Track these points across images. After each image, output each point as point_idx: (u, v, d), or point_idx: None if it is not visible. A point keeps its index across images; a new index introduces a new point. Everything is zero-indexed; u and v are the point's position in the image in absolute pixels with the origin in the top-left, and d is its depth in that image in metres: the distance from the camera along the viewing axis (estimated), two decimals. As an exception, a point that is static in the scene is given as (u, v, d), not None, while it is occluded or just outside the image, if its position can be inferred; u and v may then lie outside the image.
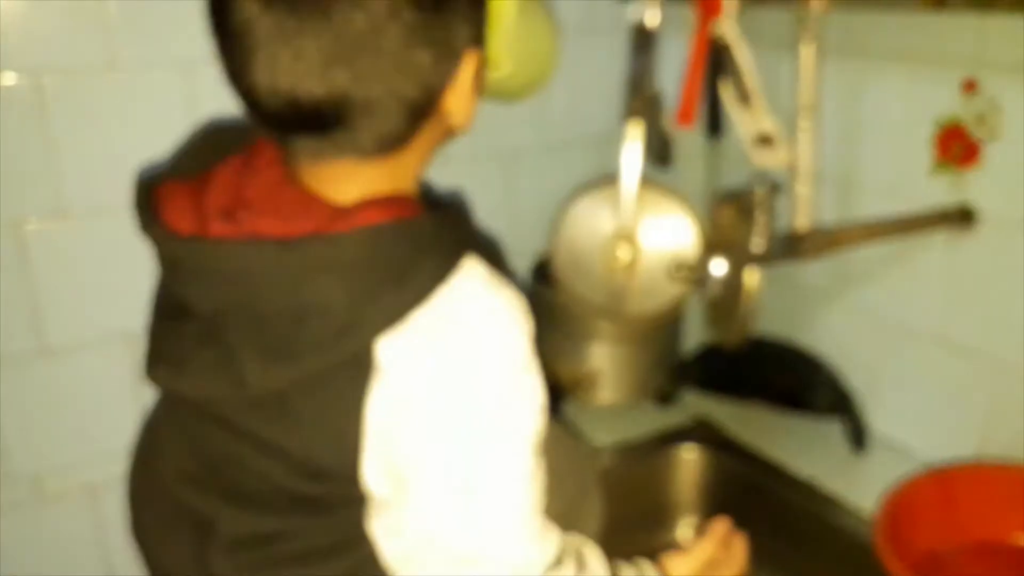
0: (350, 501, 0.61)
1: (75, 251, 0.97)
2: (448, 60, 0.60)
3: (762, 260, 0.86)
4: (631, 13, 1.02)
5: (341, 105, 0.57)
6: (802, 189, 0.90)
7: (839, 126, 1.09)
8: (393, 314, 0.57)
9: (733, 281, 0.98)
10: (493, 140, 1.22)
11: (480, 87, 0.65)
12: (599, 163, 1.30)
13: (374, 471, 0.60)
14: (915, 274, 1.04)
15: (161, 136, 0.97)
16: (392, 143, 0.61)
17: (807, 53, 0.86)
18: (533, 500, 0.63)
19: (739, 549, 0.85)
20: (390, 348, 0.58)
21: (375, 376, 0.58)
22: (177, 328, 0.63)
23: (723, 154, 1.24)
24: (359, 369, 0.57)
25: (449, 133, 0.66)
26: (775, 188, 0.86)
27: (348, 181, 0.62)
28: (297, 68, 0.55)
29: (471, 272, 0.61)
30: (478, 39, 0.63)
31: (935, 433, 1.06)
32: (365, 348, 0.57)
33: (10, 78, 0.89)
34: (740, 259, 0.85)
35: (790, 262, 0.88)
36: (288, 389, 0.59)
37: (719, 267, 0.83)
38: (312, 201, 0.61)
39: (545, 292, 1.19)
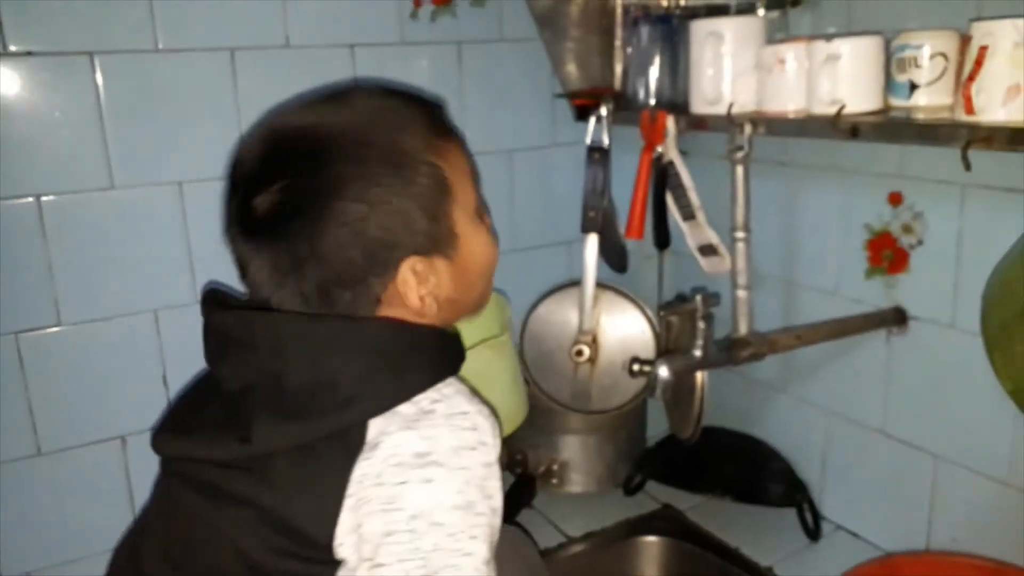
0: (321, 572, 0.67)
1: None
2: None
3: (704, 365, 0.94)
4: (587, 134, 1.13)
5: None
6: (741, 294, 0.97)
7: (780, 231, 1.18)
8: (388, 398, 0.67)
9: (684, 382, 1.06)
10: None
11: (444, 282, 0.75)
12: (569, 266, 1.39)
13: (346, 538, 0.66)
14: (857, 370, 1.11)
15: (154, 247, 1.07)
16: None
17: (739, 175, 0.95)
18: None
19: None
20: (376, 427, 0.66)
21: (362, 450, 0.66)
22: (201, 406, 0.73)
23: (675, 260, 1.33)
24: (351, 441, 0.66)
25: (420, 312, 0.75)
26: (714, 299, 0.94)
27: None
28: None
29: (456, 384, 0.71)
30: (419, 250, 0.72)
31: (885, 522, 1.11)
32: (360, 423, 0.66)
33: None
34: (684, 363, 0.92)
35: (729, 366, 0.95)
36: (279, 455, 0.67)
37: (664, 371, 0.90)
38: None
39: (516, 387, 1.26)
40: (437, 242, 0.73)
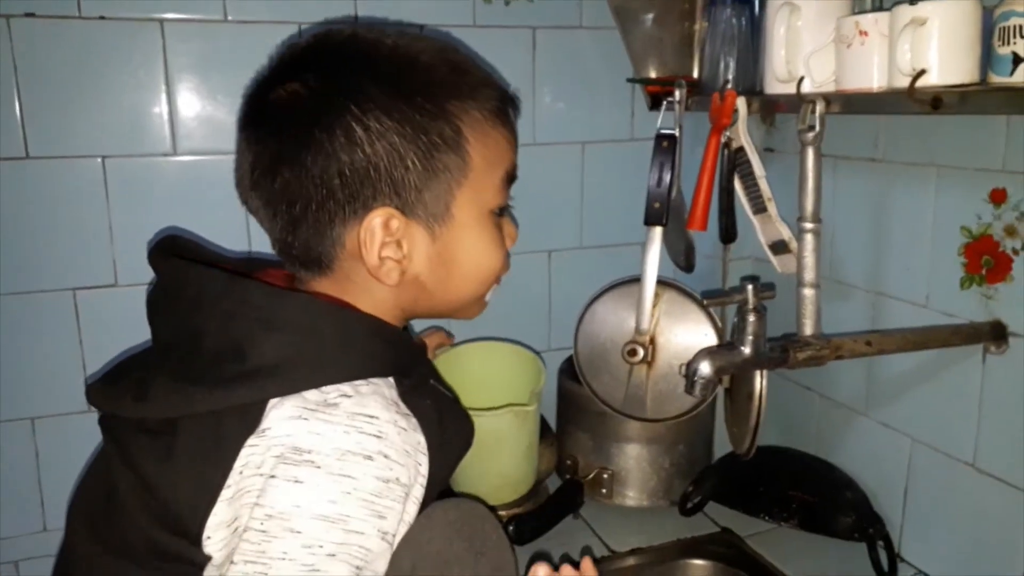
0: (195, 563, 0.62)
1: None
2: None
3: (753, 364, 0.84)
4: (658, 121, 1.06)
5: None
6: (807, 292, 0.88)
7: (867, 235, 1.07)
8: (294, 381, 0.61)
9: (741, 389, 0.96)
10: (539, 237, 1.27)
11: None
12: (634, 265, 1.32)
13: (216, 532, 0.60)
14: (947, 393, 0.98)
15: (212, 214, 1.08)
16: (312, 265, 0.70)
17: (810, 158, 0.86)
18: None
19: None
20: (273, 410, 0.61)
21: (255, 432, 0.60)
22: (137, 361, 0.69)
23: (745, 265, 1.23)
24: (246, 419, 0.60)
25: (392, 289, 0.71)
26: (767, 290, 0.84)
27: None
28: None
29: (381, 389, 0.64)
30: (401, 205, 0.67)
31: (972, 571, 0.97)
32: (260, 402, 0.61)
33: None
34: (728, 360, 0.83)
35: (783, 367, 0.85)
36: (180, 422, 0.62)
37: (704, 367, 0.81)
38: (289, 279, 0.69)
39: (571, 387, 1.20)
40: (424, 209, 0.67)
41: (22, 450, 1.06)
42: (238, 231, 1.09)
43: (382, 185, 0.65)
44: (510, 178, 0.74)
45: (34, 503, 1.08)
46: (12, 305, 1.02)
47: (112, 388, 0.67)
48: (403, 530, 0.65)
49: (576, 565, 0.77)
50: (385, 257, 0.67)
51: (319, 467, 0.59)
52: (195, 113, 1.06)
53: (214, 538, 0.61)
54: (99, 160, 1.03)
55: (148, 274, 1.06)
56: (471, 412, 0.79)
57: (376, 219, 0.66)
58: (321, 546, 0.58)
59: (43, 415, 1.06)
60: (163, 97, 1.04)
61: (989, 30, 0.76)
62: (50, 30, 0.97)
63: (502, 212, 0.74)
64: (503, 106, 0.72)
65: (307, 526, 0.58)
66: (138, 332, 0.92)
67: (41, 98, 0.99)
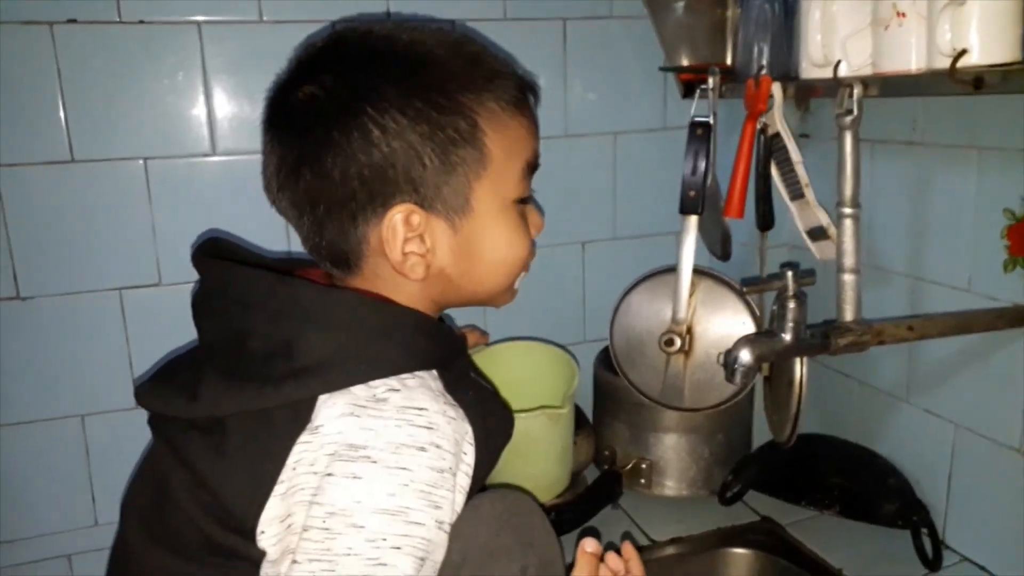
0: (250, 558, 0.63)
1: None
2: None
3: (794, 351, 0.84)
4: (692, 109, 1.06)
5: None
6: (847, 278, 0.87)
7: (907, 219, 1.05)
8: (343, 377, 0.62)
9: (781, 376, 0.96)
10: (572, 228, 1.28)
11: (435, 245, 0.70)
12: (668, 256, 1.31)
13: (269, 527, 0.62)
14: (992, 378, 0.96)
15: (252, 213, 1.09)
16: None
17: (848, 143, 0.85)
18: None
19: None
20: (323, 407, 0.62)
21: (307, 429, 0.61)
22: (186, 362, 0.71)
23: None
24: (297, 416, 0.61)
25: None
26: (807, 277, 0.84)
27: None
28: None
29: (427, 382, 0.65)
30: (420, 201, 0.68)
31: (1017, 555, 0.95)
32: (310, 399, 0.62)
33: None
34: (769, 348, 0.83)
35: (824, 353, 0.84)
36: (228, 420, 0.63)
37: (744, 355, 0.81)
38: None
39: (607, 379, 1.20)
40: (443, 203, 0.68)
41: (73, 447, 1.09)
42: (277, 229, 1.11)
43: (401, 183, 0.66)
44: (531, 167, 0.74)
45: (85, 498, 1.11)
46: (61, 305, 1.05)
47: (161, 389, 0.69)
48: (453, 520, 0.66)
49: (618, 552, 0.77)
50: (409, 252, 0.68)
51: (375, 462, 0.60)
52: (233, 113, 1.07)
53: (268, 532, 0.62)
54: (141, 162, 1.05)
55: (191, 273, 1.08)
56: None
57: (397, 216, 0.67)
58: (384, 539, 0.59)
59: (92, 412, 1.09)
60: (201, 98, 1.06)
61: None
62: (92, 35, 1.00)
63: (525, 201, 0.74)
64: (521, 95, 0.72)
65: (369, 520, 0.59)
66: (182, 330, 0.93)
67: (84, 102, 1.01)
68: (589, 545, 0.74)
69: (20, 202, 1.01)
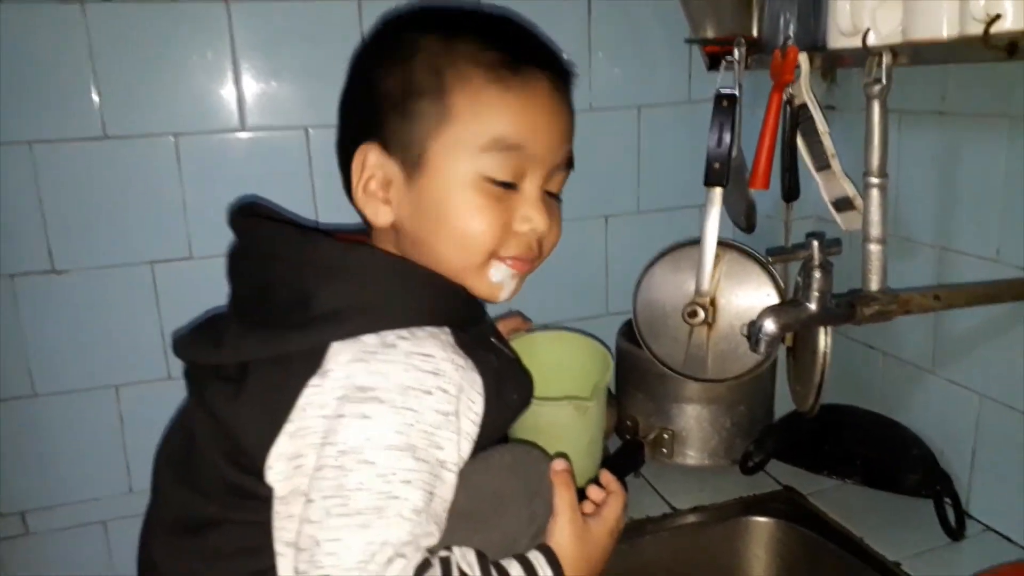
0: (260, 497, 0.66)
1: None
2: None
3: (819, 320, 0.84)
4: (718, 80, 1.05)
5: None
6: (873, 248, 0.87)
7: (935, 190, 1.05)
8: (354, 325, 0.65)
9: (805, 346, 0.96)
10: (596, 202, 1.28)
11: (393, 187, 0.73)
12: (692, 229, 1.31)
13: (276, 463, 0.65)
14: (1021, 350, 0.96)
15: (282, 189, 1.11)
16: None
17: (876, 112, 0.84)
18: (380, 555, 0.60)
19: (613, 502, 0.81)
20: (334, 353, 0.64)
21: (317, 373, 0.64)
22: (216, 315, 0.76)
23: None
24: (310, 362, 0.64)
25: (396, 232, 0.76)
26: (833, 246, 0.84)
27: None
28: None
29: (438, 335, 0.67)
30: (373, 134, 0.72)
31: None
32: (322, 346, 0.64)
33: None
34: (794, 317, 0.84)
35: (850, 323, 0.84)
36: (251, 366, 0.66)
37: (769, 324, 0.82)
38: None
39: (630, 350, 1.21)
40: (402, 150, 0.71)
41: (108, 416, 1.11)
42: (305, 203, 1.12)
43: (370, 122, 0.71)
44: (504, 147, 0.70)
45: (120, 466, 1.13)
46: (95, 279, 1.07)
47: (194, 338, 0.73)
48: (460, 464, 0.68)
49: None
50: (370, 193, 0.72)
51: (383, 402, 0.62)
52: (261, 90, 1.08)
53: (275, 468, 0.65)
54: (172, 138, 1.06)
55: (221, 246, 1.10)
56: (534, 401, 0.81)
57: (361, 152, 0.72)
58: (395, 473, 0.62)
59: (126, 383, 1.11)
60: (230, 75, 1.07)
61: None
62: (123, 13, 1.01)
63: (510, 186, 0.72)
64: (511, 73, 0.70)
65: (379, 456, 0.62)
66: (213, 302, 0.96)
67: (116, 80, 1.02)
68: (559, 464, 0.77)
69: (54, 178, 1.03)
